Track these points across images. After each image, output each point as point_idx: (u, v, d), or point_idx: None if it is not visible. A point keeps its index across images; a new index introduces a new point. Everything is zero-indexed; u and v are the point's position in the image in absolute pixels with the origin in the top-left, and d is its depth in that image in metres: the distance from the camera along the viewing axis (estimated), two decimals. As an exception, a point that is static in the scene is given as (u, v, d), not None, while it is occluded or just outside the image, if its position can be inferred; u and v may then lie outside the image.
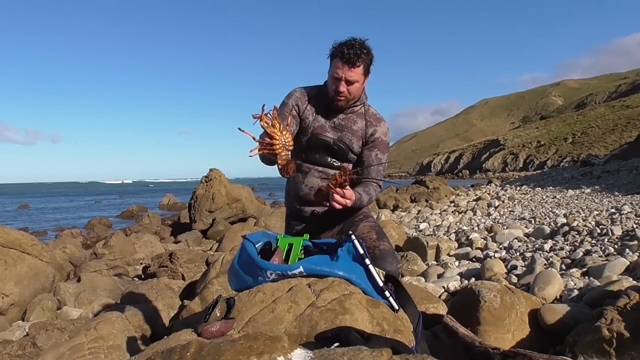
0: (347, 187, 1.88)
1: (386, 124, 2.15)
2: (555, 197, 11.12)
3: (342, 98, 2.03)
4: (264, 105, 1.72)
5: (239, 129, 1.68)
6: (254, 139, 1.75)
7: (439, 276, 4.10)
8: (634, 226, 4.90)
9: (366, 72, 2.02)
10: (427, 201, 13.86)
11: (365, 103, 2.14)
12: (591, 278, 3.25)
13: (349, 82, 1.98)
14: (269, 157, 1.87)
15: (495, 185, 20.91)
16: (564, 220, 6.07)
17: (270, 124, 1.72)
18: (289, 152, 1.81)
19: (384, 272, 1.66)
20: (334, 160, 2.13)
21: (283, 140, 1.76)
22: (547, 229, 5.63)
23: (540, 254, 4.27)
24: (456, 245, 5.66)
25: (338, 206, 1.88)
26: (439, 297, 3.34)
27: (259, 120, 1.70)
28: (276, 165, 1.83)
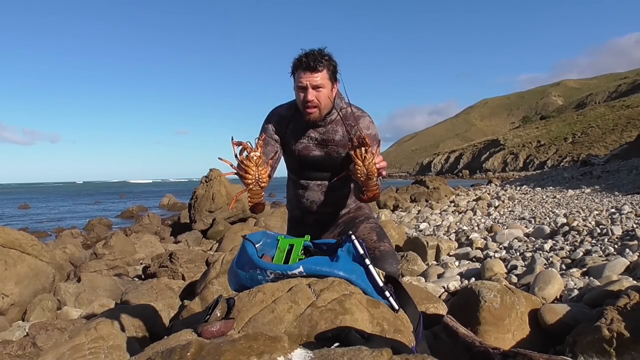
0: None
1: (367, 118, 2.07)
2: (555, 197, 11.13)
3: (313, 108, 1.96)
4: (247, 142, 1.64)
5: (220, 158, 1.62)
6: (231, 165, 1.66)
7: (439, 276, 4.10)
8: (634, 226, 4.89)
9: (332, 78, 1.97)
10: (427, 201, 13.87)
11: (342, 107, 2.06)
12: (591, 278, 3.25)
13: (316, 88, 1.93)
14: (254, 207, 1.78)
15: (495, 185, 20.92)
16: (564, 220, 6.07)
17: (247, 156, 1.62)
18: (262, 189, 1.70)
19: (384, 273, 1.66)
20: (329, 173, 2.11)
21: (257, 175, 1.65)
22: (547, 229, 5.63)
23: (540, 254, 4.27)
24: (456, 245, 5.66)
25: (383, 171, 1.75)
26: (439, 297, 3.34)
27: (239, 147, 1.62)
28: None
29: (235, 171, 1.66)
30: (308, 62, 1.90)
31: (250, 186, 1.66)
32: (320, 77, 1.93)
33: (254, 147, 1.64)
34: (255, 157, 1.63)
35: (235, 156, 1.64)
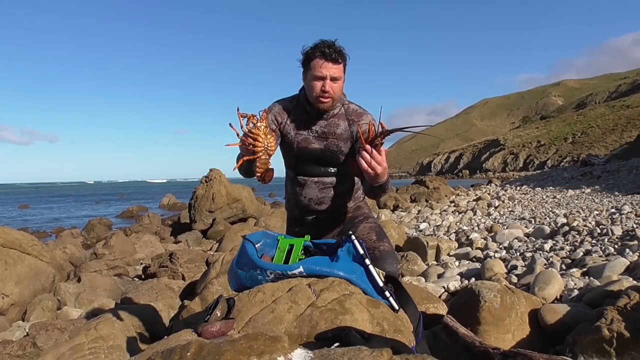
0: (382, 149, 1.71)
1: (369, 116, 2.09)
2: (555, 197, 11.13)
3: (328, 99, 1.97)
4: (252, 114, 1.68)
5: (230, 124, 1.66)
6: (237, 135, 1.69)
7: (439, 276, 4.10)
8: (634, 226, 4.89)
9: (345, 71, 2.00)
10: (427, 201, 13.86)
11: (344, 102, 2.09)
12: (591, 278, 3.24)
13: (334, 79, 1.95)
14: (246, 168, 1.82)
15: (495, 185, 20.92)
16: (564, 220, 6.07)
17: (255, 125, 1.67)
18: (270, 158, 1.74)
19: (384, 273, 1.66)
20: (327, 168, 2.11)
21: (266, 143, 1.69)
22: (547, 229, 5.63)
23: (540, 254, 4.27)
24: (456, 245, 5.65)
25: (367, 168, 1.69)
26: (439, 297, 3.34)
27: (245, 119, 1.66)
28: (254, 170, 1.76)
29: (241, 141, 1.70)
30: (331, 53, 1.91)
31: (260, 154, 1.70)
32: (340, 69, 1.95)
33: (259, 118, 1.69)
34: (262, 127, 1.68)
35: (242, 127, 1.68)
